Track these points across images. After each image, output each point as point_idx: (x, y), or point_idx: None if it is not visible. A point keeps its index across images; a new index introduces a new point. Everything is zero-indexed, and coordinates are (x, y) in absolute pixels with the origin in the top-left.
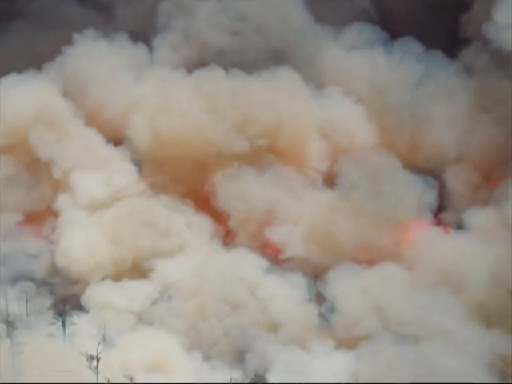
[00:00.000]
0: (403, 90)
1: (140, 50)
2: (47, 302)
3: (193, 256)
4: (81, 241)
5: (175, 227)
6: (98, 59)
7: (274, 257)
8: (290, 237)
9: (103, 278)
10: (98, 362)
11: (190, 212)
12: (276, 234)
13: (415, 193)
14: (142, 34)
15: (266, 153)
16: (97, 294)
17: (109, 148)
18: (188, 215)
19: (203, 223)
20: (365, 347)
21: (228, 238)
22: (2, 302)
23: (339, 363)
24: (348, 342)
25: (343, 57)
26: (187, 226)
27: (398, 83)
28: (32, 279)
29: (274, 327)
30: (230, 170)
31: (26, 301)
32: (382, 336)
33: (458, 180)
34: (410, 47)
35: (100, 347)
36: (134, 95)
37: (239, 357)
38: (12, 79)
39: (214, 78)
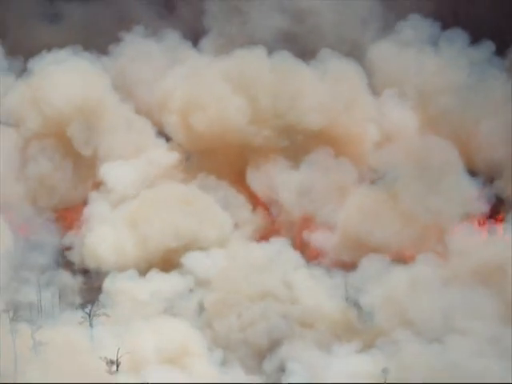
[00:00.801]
0: (454, 92)
1: (188, 49)
2: (77, 294)
3: (227, 249)
4: (107, 235)
5: (212, 217)
6: (145, 59)
7: (312, 254)
8: (328, 239)
9: (129, 271)
10: (117, 366)
11: (227, 202)
12: (315, 237)
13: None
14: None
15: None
16: (121, 286)
17: (150, 137)
18: (226, 205)
19: (241, 215)
20: (389, 348)
21: (267, 233)
22: (33, 292)
23: (362, 366)
24: (372, 342)
25: (395, 55)
26: (224, 216)
27: (449, 86)
28: (63, 270)
29: (303, 324)
30: (271, 162)
31: (59, 296)
32: (406, 336)
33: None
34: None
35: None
36: (168, 84)
37: (260, 357)
38: (63, 57)
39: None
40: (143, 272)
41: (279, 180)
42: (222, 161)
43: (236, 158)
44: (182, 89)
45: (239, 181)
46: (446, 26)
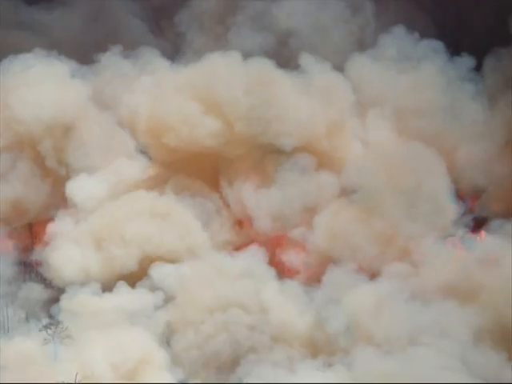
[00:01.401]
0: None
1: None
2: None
3: (198, 261)
4: (70, 251)
5: (183, 229)
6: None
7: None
8: (301, 255)
9: (91, 285)
10: None
11: (201, 212)
12: (287, 254)
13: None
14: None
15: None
16: (81, 301)
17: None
18: (199, 216)
19: (214, 226)
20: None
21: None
22: None
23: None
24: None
25: (371, 71)
26: (195, 227)
27: (426, 107)
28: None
29: (268, 337)
30: (243, 177)
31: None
32: (369, 353)
33: None
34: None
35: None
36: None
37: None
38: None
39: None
40: (109, 287)
41: (251, 197)
42: (195, 171)
43: (210, 167)
44: (147, 106)
45: (214, 191)
46: (427, 36)
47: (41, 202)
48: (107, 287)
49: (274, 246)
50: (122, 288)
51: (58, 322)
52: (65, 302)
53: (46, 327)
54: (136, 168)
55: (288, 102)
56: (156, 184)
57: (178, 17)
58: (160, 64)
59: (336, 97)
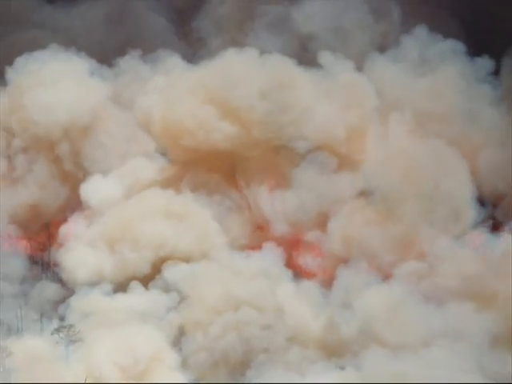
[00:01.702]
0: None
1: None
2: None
3: (213, 261)
4: (83, 252)
5: (199, 228)
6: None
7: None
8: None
9: (103, 286)
10: None
11: (217, 212)
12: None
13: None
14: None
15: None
16: (92, 302)
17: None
18: (215, 215)
19: (231, 225)
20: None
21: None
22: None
23: None
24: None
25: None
26: (211, 226)
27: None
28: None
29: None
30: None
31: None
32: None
33: None
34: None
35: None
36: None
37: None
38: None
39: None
40: (122, 287)
41: (267, 200)
42: (211, 168)
43: (227, 164)
44: (160, 108)
45: (231, 187)
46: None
47: (58, 204)
48: (120, 288)
49: (290, 248)
50: (135, 288)
51: (70, 326)
52: (76, 302)
53: (58, 330)
54: (152, 168)
55: (307, 105)
56: (172, 183)
57: (197, 22)
58: (174, 64)
59: (358, 100)
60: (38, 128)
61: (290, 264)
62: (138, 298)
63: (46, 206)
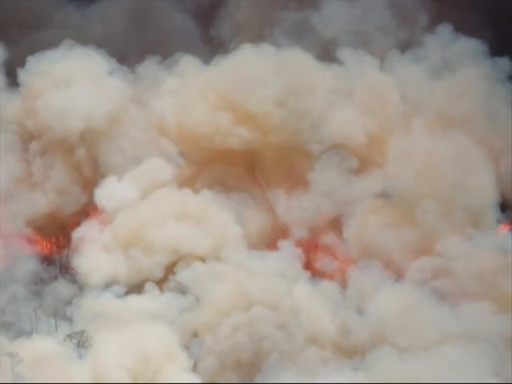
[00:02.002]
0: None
1: None
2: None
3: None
4: (96, 255)
5: (215, 228)
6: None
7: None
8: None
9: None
10: None
11: (234, 210)
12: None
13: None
14: None
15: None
16: (105, 304)
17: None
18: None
19: (249, 224)
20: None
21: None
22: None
23: None
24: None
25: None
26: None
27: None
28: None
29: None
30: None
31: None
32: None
33: None
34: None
35: None
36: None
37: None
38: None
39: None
40: (136, 289)
41: (284, 203)
42: (228, 168)
43: (244, 162)
44: (174, 111)
45: (250, 184)
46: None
47: (76, 207)
48: (133, 290)
49: (307, 248)
50: (148, 290)
51: (83, 332)
52: (88, 303)
53: (71, 336)
54: (168, 167)
55: (325, 110)
56: (189, 182)
57: (217, 27)
58: (189, 64)
59: (381, 103)
60: (53, 133)
61: (306, 265)
62: (150, 299)
63: (64, 210)
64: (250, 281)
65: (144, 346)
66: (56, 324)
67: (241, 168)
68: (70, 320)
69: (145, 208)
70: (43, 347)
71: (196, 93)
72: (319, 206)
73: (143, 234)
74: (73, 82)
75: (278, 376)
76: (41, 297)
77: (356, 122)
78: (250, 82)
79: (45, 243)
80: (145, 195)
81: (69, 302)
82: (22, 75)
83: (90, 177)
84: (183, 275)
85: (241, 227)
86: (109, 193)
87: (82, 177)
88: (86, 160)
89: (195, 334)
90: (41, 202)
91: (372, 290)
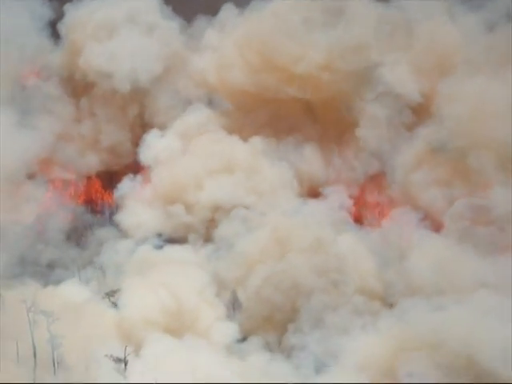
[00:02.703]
0: None
1: None
2: None
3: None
4: (137, 211)
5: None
6: None
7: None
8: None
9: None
10: (126, 365)
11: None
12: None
13: None
14: None
15: None
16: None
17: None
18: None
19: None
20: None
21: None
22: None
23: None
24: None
25: None
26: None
27: None
28: None
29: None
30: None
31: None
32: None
33: None
34: None
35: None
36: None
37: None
38: None
39: None
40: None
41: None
42: (278, 114)
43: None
44: (214, 70)
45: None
46: None
47: (127, 162)
48: (174, 241)
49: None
50: (191, 242)
51: (120, 289)
52: (127, 253)
53: (109, 295)
54: (213, 116)
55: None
56: (236, 130)
57: None
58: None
59: (440, 52)
60: (100, 90)
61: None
62: (189, 250)
63: (114, 166)
64: (294, 229)
65: (178, 290)
66: (94, 274)
67: (292, 114)
68: (106, 270)
69: (188, 162)
70: (79, 297)
71: (236, 51)
72: (367, 163)
73: (185, 190)
74: (117, 31)
75: (311, 333)
76: (84, 246)
77: (412, 77)
78: (296, 42)
79: (94, 193)
80: (189, 148)
81: (110, 252)
82: (62, 27)
83: (140, 133)
84: (225, 227)
85: (290, 176)
86: (151, 147)
87: (132, 134)
88: (134, 117)
89: (231, 284)
90: (91, 161)
91: (413, 241)
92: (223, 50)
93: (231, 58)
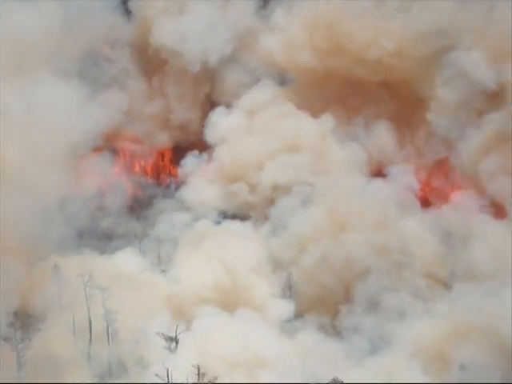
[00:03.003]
0: None
1: None
2: None
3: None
4: (199, 187)
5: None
6: None
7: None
8: None
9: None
10: (177, 344)
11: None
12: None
13: None
14: None
15: None
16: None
17: None
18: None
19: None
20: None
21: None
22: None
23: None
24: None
25: None
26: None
27: None
28: None
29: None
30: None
31: None
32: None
33: None
34: None
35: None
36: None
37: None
38: None
39: None
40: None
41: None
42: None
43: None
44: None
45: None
46: None
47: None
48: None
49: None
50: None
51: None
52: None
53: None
54: (282, 92)
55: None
56: (304, 106)
57: None
58: None
59: None
60: (172, 68)
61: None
62: (246, 226)
63: (183, 142)
64: (354, 208)
65: (234, 265)
66: (150, 245)
67: (362, 90)
68: (163, 242)
69: (251, 142)
70: (134, 267)
71: (304, 32)
72: (436, 147)
73: (247, 169)
74: (188, 7)
75: (365, 315)
76: (144, 219)
77: (487, 63)
78: (366, 28)
79: (163, 167)
80: (254, 125)
81: (166, 224)
82: (133, 4)
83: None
84: (283, 205)
85: (359, 157)
86: (216, 126)
87: (202, 112)
88: (205, 95)
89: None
90: (161, 138)
91: (475, 227)
92: (291, 30)
93: (299, 39)
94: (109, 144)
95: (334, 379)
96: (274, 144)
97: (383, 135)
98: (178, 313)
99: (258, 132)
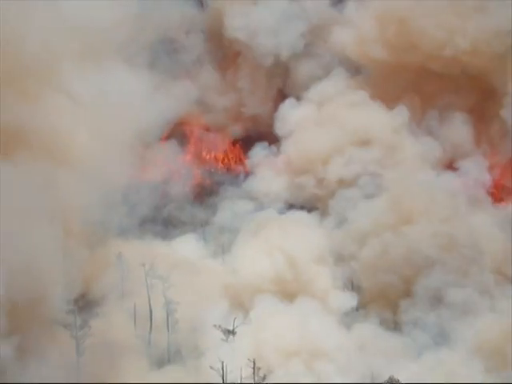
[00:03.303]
0: None
1: None
2: None
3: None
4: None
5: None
6: None
7: None
8: None
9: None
10: (234, 335)
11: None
12: None
13: None
14: None
15: None
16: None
17: None
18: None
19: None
20: None
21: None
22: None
23: None
24: None
25: None
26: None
27: None
28: None
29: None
30: None
31: None
32: None
33: None
34: None
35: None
36: None
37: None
38: None
39: None
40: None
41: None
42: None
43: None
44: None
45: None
46: None
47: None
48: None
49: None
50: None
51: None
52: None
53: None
54: (353, 82)
55: None
56: (377, 96)
57: None
58: None
59: None
60: (245, 60)
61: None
62: (312, 218)
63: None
64: (420, 201)
65: (295, 255)
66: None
67: (436, 83)
68: (225, 230)
69: (320, 135)
70: (194, 254)
71: (376, 26)
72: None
73: (315, 163)
74: None
75: (427, 311)
76: (208, 206)
77: None
78: (440, 27)
79: (233, 157)
80: (324, 117)
81: (229, 212)
82: None
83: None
84: (345, 197)
85: (432, 152)
86: (285, 118)
87: (274, 104)
88: (278, 88)
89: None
90: (233, 129)
91: None
92: (363, 25)
93: (371, 34)
94: (180, 133)
95: (390, 378)
96: (343, 137)
97: (459, 128)
98: (237, 302)
99: (326, 124)
